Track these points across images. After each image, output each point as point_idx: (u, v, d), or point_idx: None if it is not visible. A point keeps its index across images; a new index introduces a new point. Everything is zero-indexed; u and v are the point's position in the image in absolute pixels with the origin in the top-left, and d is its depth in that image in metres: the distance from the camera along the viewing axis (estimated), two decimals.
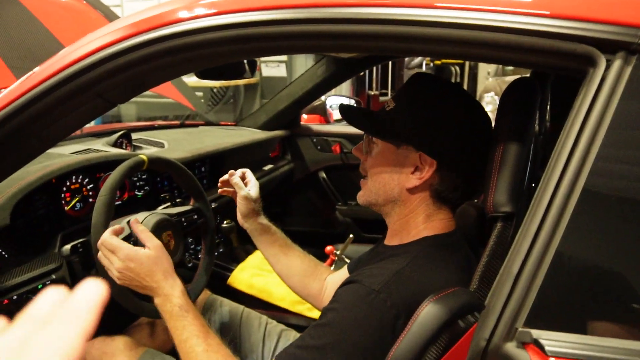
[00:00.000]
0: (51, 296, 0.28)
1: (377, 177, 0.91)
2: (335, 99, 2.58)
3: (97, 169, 1.35)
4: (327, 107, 2.45)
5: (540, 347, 0.45)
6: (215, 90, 4.34)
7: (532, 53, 0.57)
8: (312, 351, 0.77)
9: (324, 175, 2.34)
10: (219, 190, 1.23)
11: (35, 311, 0.27)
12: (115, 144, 1.60)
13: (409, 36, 0.62)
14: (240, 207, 1.18)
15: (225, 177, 1.20)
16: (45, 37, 1.38)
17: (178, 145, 1.75)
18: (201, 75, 1.21)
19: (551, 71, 0.80)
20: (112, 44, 0.77)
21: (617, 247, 0.52)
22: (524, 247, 0.50)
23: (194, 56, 0.76)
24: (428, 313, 0.66)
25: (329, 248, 1.68)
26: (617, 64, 0.51)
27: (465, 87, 7.06)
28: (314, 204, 2.35)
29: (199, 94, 4.23)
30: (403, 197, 0.89)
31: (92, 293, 0.26)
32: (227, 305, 1.38)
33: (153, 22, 0.76)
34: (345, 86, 4.59)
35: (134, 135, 1.75)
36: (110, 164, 1.35)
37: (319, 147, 2.27)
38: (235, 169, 1.20)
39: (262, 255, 1.27)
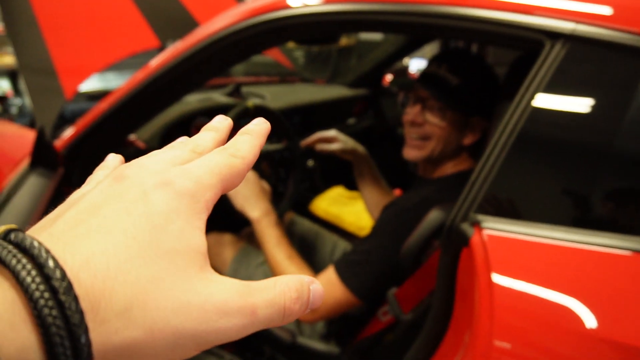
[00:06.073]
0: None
1: (442, 140, 1.11)
2: (418, 62, 2.79)
3: (216, 112, 1.72)
4: (409, 68, 2.67)
5: (480, 225, 0.74)
6: (312, 51, 4.67)
7: None
8: (359, 253, 1.08)
9: (401, 132, 2.60)
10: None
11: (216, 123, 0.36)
12: (229, 94, 2.02)
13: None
14: (348, 158, 1.48)
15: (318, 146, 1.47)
16: (180, 10, 1.71)
17: (277, 97, 2.11)
18: (299, 41, 1.53)
19: None
20: (239, 21, 1.09)
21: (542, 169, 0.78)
22: (481, 162, 0.78)
23: (299, 32, 1.05)
24: (433, 215, 0.96)
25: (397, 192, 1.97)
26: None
27: None
28: (389, 159, 2.63)
29: (299, 53, 4.59)
30: (456, 150, 1.14)
31: (261, 122, 0.35)
32: (306, 225, 1.71)
33: (268, 7, 1.06)
34: (429, 48, 4.66)
35: (243, 89, 2.16)
36: (226, 108, 1.75)
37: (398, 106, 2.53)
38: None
39: (338, 190, 1.55)
